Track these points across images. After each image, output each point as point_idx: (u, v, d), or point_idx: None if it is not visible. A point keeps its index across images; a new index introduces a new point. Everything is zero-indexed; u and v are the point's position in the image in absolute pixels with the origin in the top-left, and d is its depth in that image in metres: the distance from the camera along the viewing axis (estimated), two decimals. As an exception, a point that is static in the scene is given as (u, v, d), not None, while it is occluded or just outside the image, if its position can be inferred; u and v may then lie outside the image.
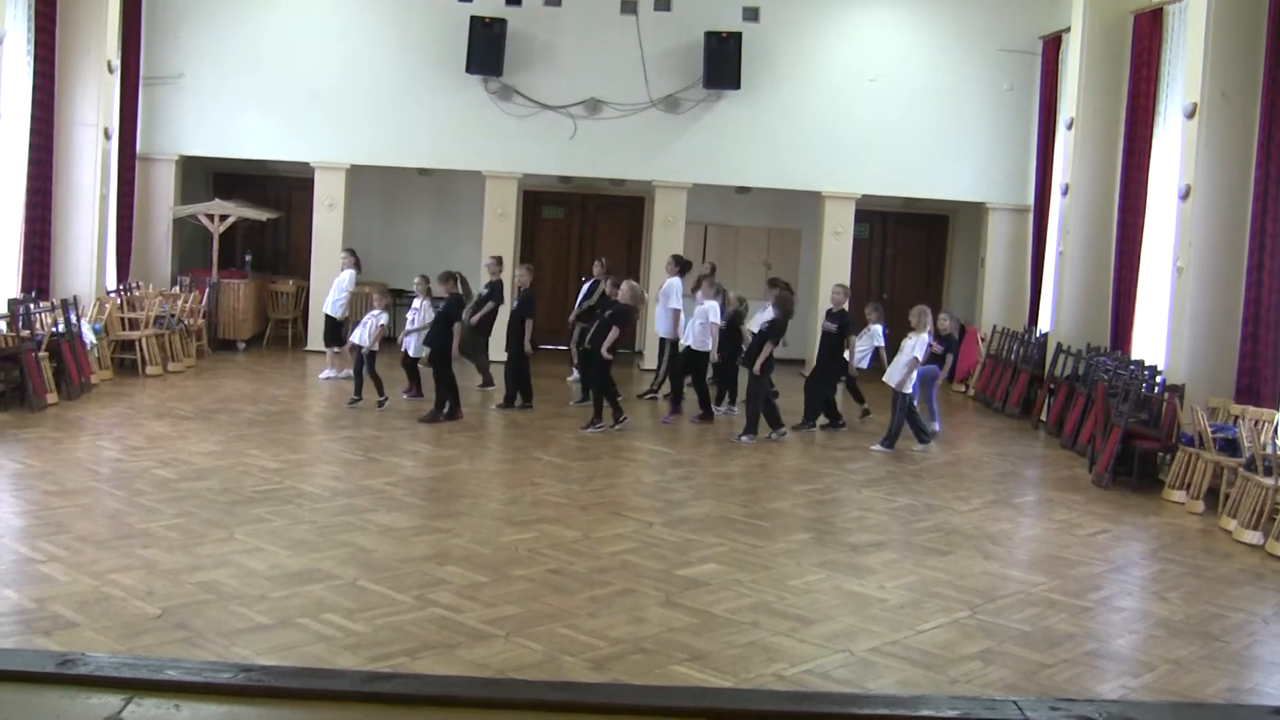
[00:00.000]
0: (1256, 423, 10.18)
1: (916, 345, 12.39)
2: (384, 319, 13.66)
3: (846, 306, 13.80)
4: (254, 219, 18.01)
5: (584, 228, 20.18)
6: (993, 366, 16.56)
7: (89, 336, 13.64)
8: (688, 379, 14.04)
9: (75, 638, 5.97)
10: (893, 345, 13.86)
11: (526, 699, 2.07)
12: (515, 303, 14.36)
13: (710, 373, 14.15)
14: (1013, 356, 16.13)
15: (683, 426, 13.47)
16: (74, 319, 13.15)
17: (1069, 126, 15.54)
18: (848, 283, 16.14)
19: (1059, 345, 14.97)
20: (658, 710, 1.99)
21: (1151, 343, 13.23)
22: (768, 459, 11.81)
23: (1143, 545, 9.62)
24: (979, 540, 9.08)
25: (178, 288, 16.79)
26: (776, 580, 7.69)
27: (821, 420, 13.56)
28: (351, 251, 15.75)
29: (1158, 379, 12.24)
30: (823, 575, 7.87)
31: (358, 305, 16.12)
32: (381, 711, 1.98)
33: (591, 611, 6.83)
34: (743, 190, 19.19)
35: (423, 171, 19.10)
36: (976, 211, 18.83)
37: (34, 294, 13.43)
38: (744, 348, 13.43)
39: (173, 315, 15.44)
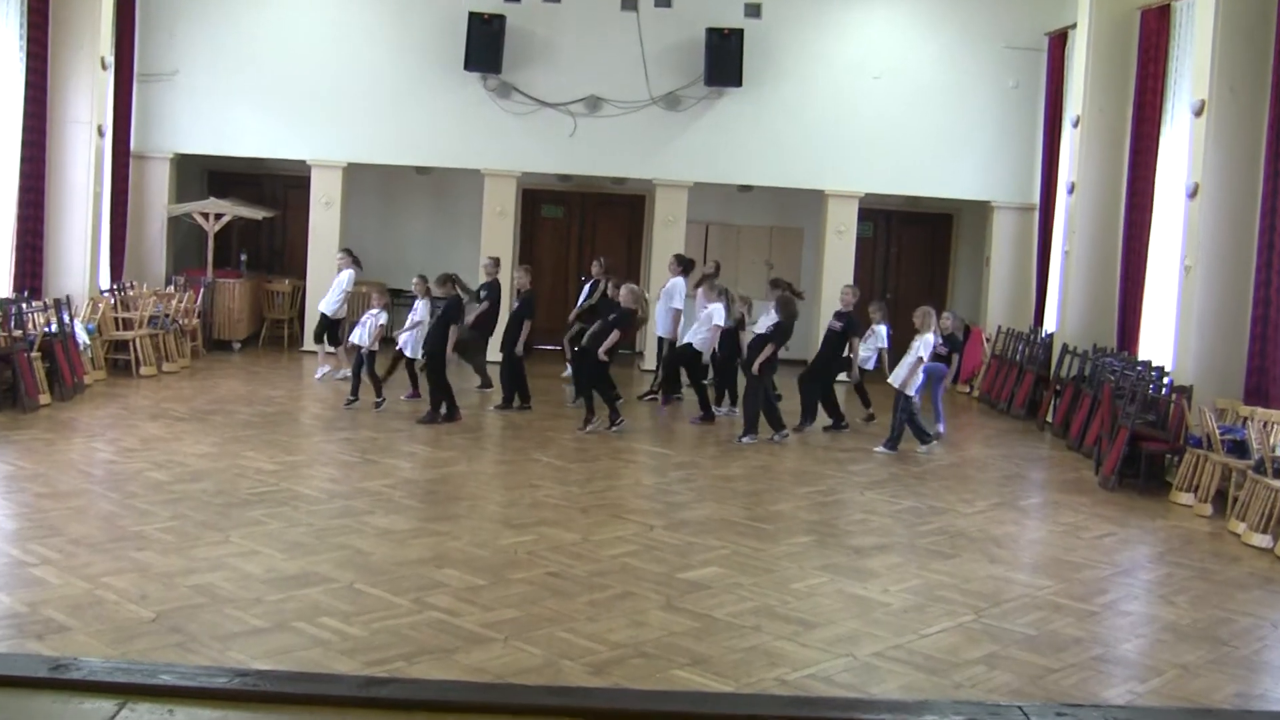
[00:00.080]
0: (1265, 424, 10.18)
1: (920, 346, 12.39)
2: (383, 318, 13.67)
3: (853, 306, 13.91)
4: (249, 218, 18.02)
5: (584, 227, 20.18)
6: (998, 367, 16.56)
7: (82, 337, 13.65)
8: (686, 380, 14.12)
9: (68, 642, 5.97)
10: (898, 346, 13.87)
11: (525, 704, 2.07)
12: (516, 304, 14.37)
13: (709, 373, 14.17)
14: (1018, 357, 16.12)
15: (683, 427, 13.48)
16: (67, 319, 13.15)
17: (1075, 124, 15.55)
18: (852, 282, 16.15)
19: (1065, 346, 14.96)
20: (658, 715, 1.99)
21: (1159, 343, 13.22)
22: (769, 461, 11.81)
23: (1150, 548, 9.62)
24: (984, 543, 9.08)
25: (172, 287, 16.78)
26: (778, 584, 7.69)
27: (825, 421, 13.58)
28: (348, 251, 15.76)
29: (1165, 380, 12.23)
30: (825, 579, 7.87)
31: (356, 305, 16.12)
32: (379, 716, 1.98)
33: (591, 615, 6.82)
34: (744, 189, 19.19)
35: (421, 170, 19.10)
36: (981, 210, 18.83)
37: (26, 293, 13.43)
38: (744, 349, 13.46)
39: (167, 315, 15.44)
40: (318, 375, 15.37)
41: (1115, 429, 11.62)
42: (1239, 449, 10.44)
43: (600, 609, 6.95)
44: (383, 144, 17.77)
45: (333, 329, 15.30)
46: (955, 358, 14.44)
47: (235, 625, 6.35)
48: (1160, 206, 13.77)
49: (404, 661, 5.97)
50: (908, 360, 12.40)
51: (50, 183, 14.36)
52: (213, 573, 7.20)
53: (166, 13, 17.32)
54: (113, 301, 15.21)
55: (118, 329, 14.88)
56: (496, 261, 15.01)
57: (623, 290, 13.18)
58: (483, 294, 14.58)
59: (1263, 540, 9.34)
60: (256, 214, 18.06)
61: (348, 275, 15.29)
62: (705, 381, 14.02)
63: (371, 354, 13.39)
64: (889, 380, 12.62)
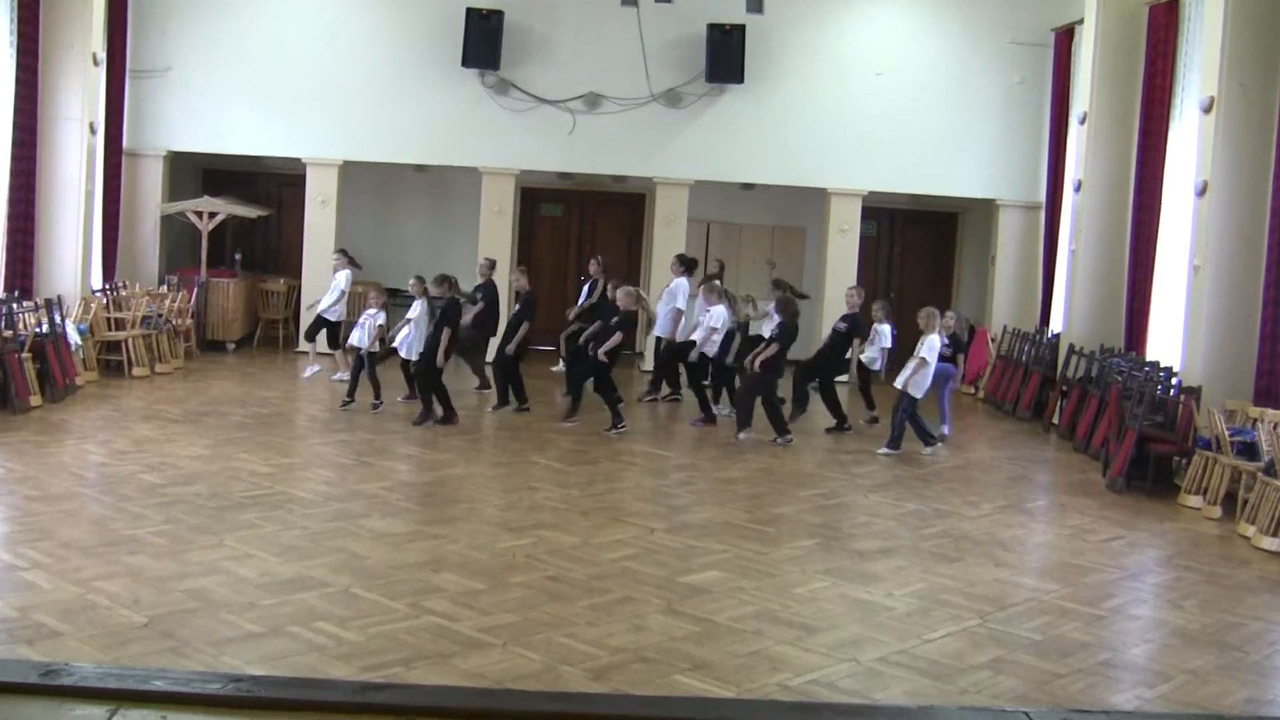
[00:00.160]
0: (1276, 426, 10.17)
1: (925, 347, 12.39)
2: (381, 319, 13.68)
3: (859, 308, 13.98)
4: (244, 216, 18.02)
5: (583, 225, 20.18)
6: (1003, 368, 16.56)
7: (74, 337, 13.64)
8: (684, 381, 14.20)
9: (59, 647, 5.96)
10: (902, 346, 13.89)
11: (524, 710, 2.07)
12: (516, 306, 14.41)
13: (707, 374, 14.21)
14: (1024, 358, 16.13)
15: (683, 429, 13.48)
16: (58, 319, 13.14)
17: (1082, 121, 15.54)
18: (855, 283, 16.16)
19: (1071, 346, 14.96)
20: (659, 721, 1.99)
21: (1167, 343, 13.22)
22: (772, 463, 11.81)
23: (1158, 552, 9.61)
24: (989, 546, 9.08)
25: (165, 287, 16.78)
26: (781, 588, 7.69)
27: (828, 422, 13.61)
28: (344, 252, 15.75)
29: (1173, 381, 12.24)
30: (828, 582, 7.86)
31: (353, 306, 16.13)
32: (375, 723, 1.98)
33: (591, 620, 6.82)
34: (746, 187, 19.20)
35: (418, 168, 19.11)
36: (986, 209, 18.83)
37: (17, 293, 13.44)
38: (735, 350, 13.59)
39: (160, 315, 15.44)
40: (304, 374, 15.41)
41: (1123, 430, 11.62)
42: (1249, 451, 10.44)
43: (600, 613, 6.95)
44: (379, 142, 17.77)
45: (332, 331, 15.30)
46: (960, 358, 14.44)
47: (229, 630, 6.34)
48: (1168, 205, 13.77)
49: (401, 667, 5.97)
50: (911, 363, 12.41)
51: (41, 181, 14.37)
52: (206, 577, 7.20)
53: (159, 8, 17.32)
54: (105, 301, 15.21)
55: (110, 329, 14.88)
56: (492, 263, 15.08)
57: (619, 293, 13.21)
58: (478, 295, 14.62)
59: (1273, 543, 9.34)
60: (251, 213, 18.06)
61: (344, 276, 15.29)
62: (705, 383, 14.04)
63: (372, 355, 13.39)
64: (895, 384, 12.62)
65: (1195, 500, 10.80)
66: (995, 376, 16.74)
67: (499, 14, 17.18)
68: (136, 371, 14.69)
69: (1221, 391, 11.62)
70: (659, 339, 14.92)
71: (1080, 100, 15.80)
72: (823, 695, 5.93)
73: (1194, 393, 11.69)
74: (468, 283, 14.92)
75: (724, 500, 10.16)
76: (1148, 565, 9.25)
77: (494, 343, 14.59)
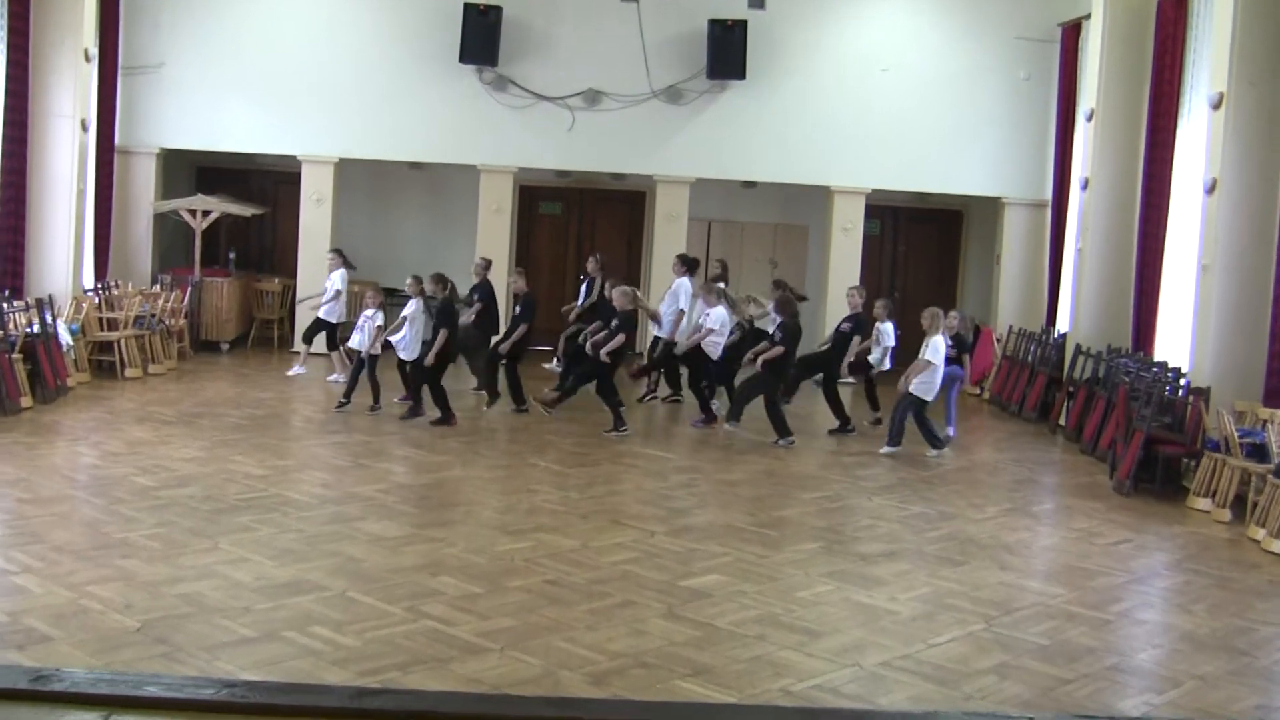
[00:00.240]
0: (1285, 427, 10.18)
1: (930, 349, 12.38)
2: (379, 319, 13.69)
3: (861, 307, 14.01)
4: (238, 215, 18.02)
5: (582, 224, 20.19)
6: (1009, 368, 16.56)
7: (65, 337, 13.64)
8: (685, 381, 14.24)
9: (50, 652, 5.96)
10: (906, 346, 13.88)
11: (522, 715, 2.07)
12: (517, 309, 14.42)
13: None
14: (1030, 358, 16.13)
15: (684, 431, 13.49)
16: (49, 319, 13.14)
17: (1089, 118, 15.54)
18: (858, 282, 16.18)
19: (1078, 346, 14.96)
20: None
21: (1175, 344, 13.22)
22: (774, 465, 11.82)
23: (1166, 555, 9.61)
24: (995, 550, 9.08)
25: (158, 286, 16.79)
26: (783, 592, 7.69)
27: (831, 424, 13.62)
28: (339, 252, 15.75)
29: (1182, 381, 12.24)
30: (832, 586, 7.87)
31: (349, 306, 16.12)
32: (371, 729, 1.98)
33: (590, 624, 6.82)
34: (748, 185, 19.20)
35: (415, 165, 19.12)
36: (992, 207, 18.83)
37: (7, 293, 13.43)
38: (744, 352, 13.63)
39: (153, 315, 15.44)
40: (289, 373, 15.51)
41: (1130, 432, 11.62)
42: (1258, 452, 10.44)
43: (600, 618, 6.95)
44: (376, 139, 17.78)
45: (330, 332, 15.31)
46: (966, 359, 14.45)
47: (223, 635, 6.34)
48: (1177, 202, 13.77)
49: (397, 672, 5.97)
50: (915, 365, 12.42)
51: (32, 179, 14.36)
52: (200, 581, 7.20)
53: (151, 3, 17.32)
54: (97, 301, 15.21)
55: (102, 329, 14.88)
56: (488, 263, 15.10)
57: (615, 292, 13.23)
58: (474, 296, 14.63)
59: (1283, 547, 9.33)
60: (245, 211, 18.06)
61: (339, 276, 15.29)
62: (704, 384, 14.07)
63: (373, 358, 13.38)
64: (898, 386, 12.62)
65: (1204, 503, 10.79)
66: (1000, 377, 16.74)
67: (497, 9, 17.18)
68: (129, 372, 14.69)
69: (1231, 392, 11.62)
70: (657, 339, 14.93)
71: (1087, 97, 15.80)
72: (826, 701, 5.93)
73: (1203, 393, 11.69)
74: (464, 282, 14.93)
75: (726, 503, 10.17)
76: (1156, 569, 9.25)
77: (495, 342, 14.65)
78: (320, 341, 15.52)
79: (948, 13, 18.04)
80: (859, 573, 8.22)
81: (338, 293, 15.22)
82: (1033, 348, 16.20)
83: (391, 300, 16.27)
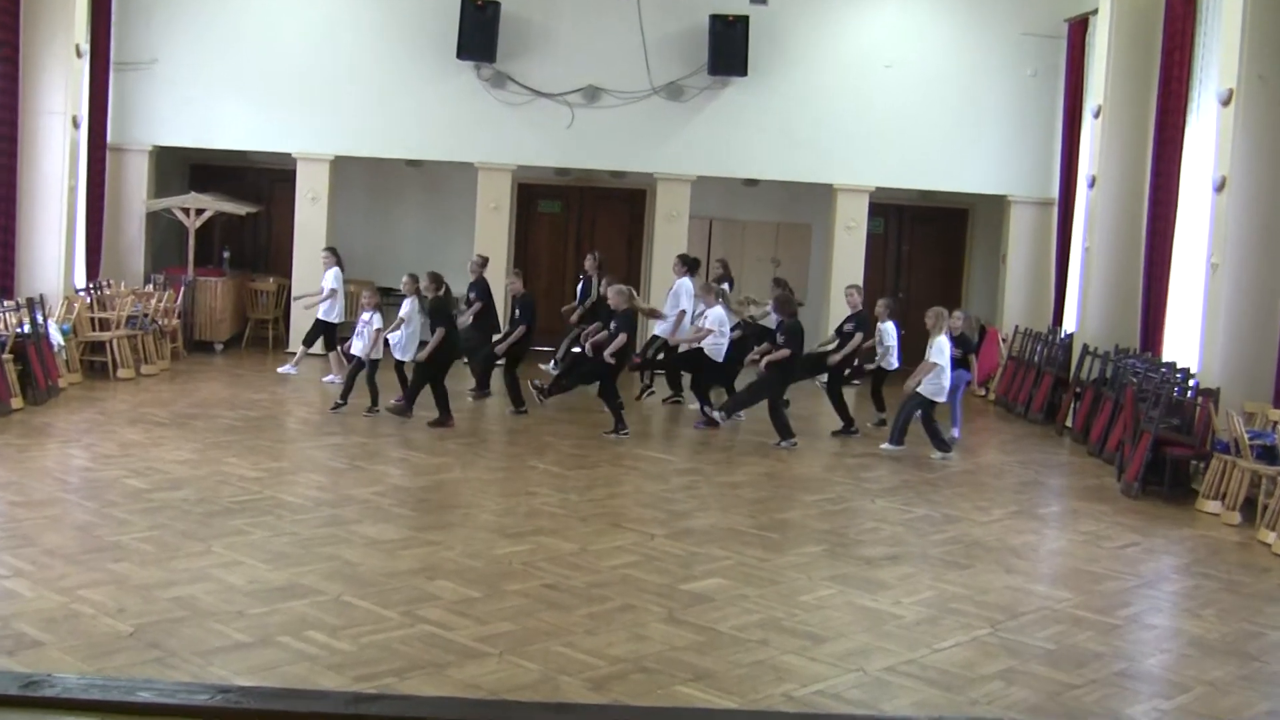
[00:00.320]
0: (1295, 429, 10.18)
1: (933, 350, 12.38)
2: (377, 321, 13.67)
3: (861, 306, 14.01)
4: (232, 213, 18.03)
5: (582, 222, 20.18)
6: (1015, 369, 16.57)
7: (56, 338, 13.64)
8: (687, 381, 14.26)
9: (41, 658, 5.96)
10: (910, 346, 13.88)
11: (521, 721, 2.06)
12: (516, 310, 14.43)
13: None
14: (1036, 358, 16.13)
15: (685, 432, 13.49)
16: (40, 319, 13.14)
17: (1096, 115, 15.54)
18: (860, 281, 16.17)
19: (1085, 346, 14.96)
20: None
21: (1184, 344, 13.22)
22: (776, 467, 11.82)
23: (1175, 559, 9.61)
24: (1001, 553, 9.08)
25: (151, 286, 16.79)
26: (786, 595, 7.69)
27: (834, 425, 13.63)
28: (332, 250, 15.75)
29: (1190, 382, 12.23)
30: (835, 590, 7.86)
31: (348, 305, 16.12)
32: (367, 735, 1.98)
33: (590, 629, 6.82)
34: (750, 183, 19.20)
35: (411, 163, 19.11)
36: (997, 205, 18.83)
37: (-2, 292, 13.45)
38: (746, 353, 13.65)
39: (146, 315, 15.44)
40: (281, 369, 15.60)
41: (1138, 434, 11.62)
42: (1268, 454, 10.44)
43: (599, 622, 6.95)
44: (372, 136, 17.78)
45: (329, 333, 15.31)
46: (971, 359, 14.44)
47: (217, 639, 6.34)
48: (1185, 200, 13.76)
49: (394, 677, 5.97)
50: (922, 366, 12.42)
51: (22, 176, 14.36)
52: (193, 585, 7.20)
53: (145, -2, 17.34)
54: (89, 301, 15.21)
55: (94, 330, 14.88)
56: (485, 261, 15.10)
57: (610, 291, 13.24)
58: (471, 295, 14.64)
59: (1293, 550, 9.34)
60: (240, 209, 18.07)
61: (333, 274, 15.30)
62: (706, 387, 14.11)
63: (374, 362, 13.36)
64: (905, 387, 12.62)
65: (1213, 505, 10.79)
66: (1007, 378, 16.74)
67: (495, 4, 17.18)
68: (121, 373, 14.69)
69: (1240, 393, 11.61)
70: (656, 338, 14.96)
71: (1094, 93, 15.80)
72: (829, 707, 5.93)
73: (1212, 394, 11.68)
74: (462, 282, 14.92)
75: (727, 505, 10.17)
76: (1164, 572, 9.25)
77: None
78: (319, 342, 15.51)
79: (952, 8, 18.04)
80: (862, 576, 8.22)
81: (333, 291, 15.22)
82: (1039, 348, 16.20)
83: (388, 300, 16.27)
